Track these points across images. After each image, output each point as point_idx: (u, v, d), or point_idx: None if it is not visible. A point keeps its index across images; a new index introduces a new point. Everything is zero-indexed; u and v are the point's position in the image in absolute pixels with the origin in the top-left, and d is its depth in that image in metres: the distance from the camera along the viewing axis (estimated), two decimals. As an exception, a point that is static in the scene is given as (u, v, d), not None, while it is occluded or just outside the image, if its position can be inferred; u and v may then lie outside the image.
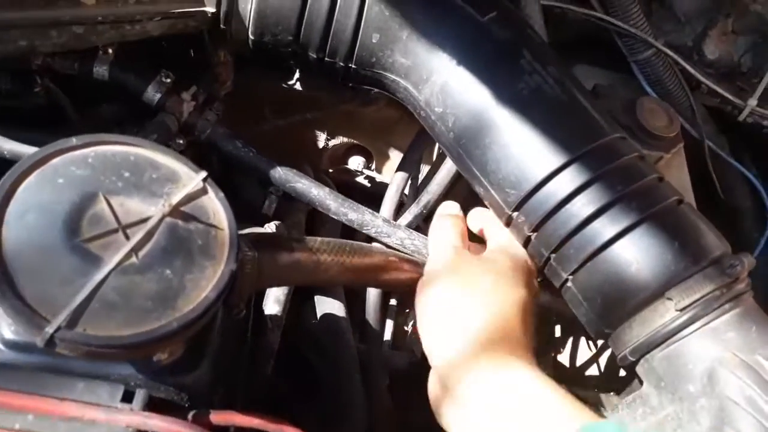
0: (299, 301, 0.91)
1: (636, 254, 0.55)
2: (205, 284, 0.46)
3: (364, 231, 0.78)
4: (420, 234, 0.79)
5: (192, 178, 0.50)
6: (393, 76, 0.67)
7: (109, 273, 0.44)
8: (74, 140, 0.48)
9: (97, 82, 0.74)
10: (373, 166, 1.13)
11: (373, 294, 0.84)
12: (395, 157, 1.10)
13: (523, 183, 0.59)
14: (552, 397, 0.51)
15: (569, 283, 0.59)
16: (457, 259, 0.62)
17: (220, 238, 0.49)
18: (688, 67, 0.78)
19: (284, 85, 0.98)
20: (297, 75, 0.98)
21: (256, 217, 0.92)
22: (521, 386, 0.52)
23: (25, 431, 0.46)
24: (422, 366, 0.94)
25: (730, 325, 0.53)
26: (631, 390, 0.68)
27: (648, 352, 0.55)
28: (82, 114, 0.77)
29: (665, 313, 0.53)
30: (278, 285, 0.67)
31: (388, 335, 0.93)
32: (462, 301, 0.58)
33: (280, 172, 0.78)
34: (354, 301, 0.91)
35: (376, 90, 0.95)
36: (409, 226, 0.81)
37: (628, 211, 0.56)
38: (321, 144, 1.10)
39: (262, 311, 0.86)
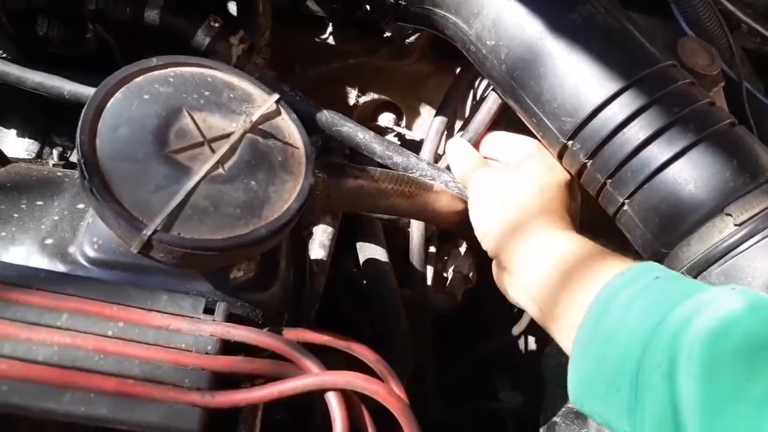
0: (341, 251, 0.93)
1: (694, 173, 0.56)
2: (288, 197, 0.48)
3: (409, 174, 0.80)
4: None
5: (266, 100, 0.52)
6: (443, 12, 0.68)
7: (200, 181, 0.45)
8: (155, 60, 0.50)
9: (148, 28, 0.75)
10: (404, 123, 1.14)
11: (416, 236, 0.85)
12: (426, 113, 1.10)
13: (579, 110, 0.60)
14: (593, 251, 0.54)
15: (625, 207, 0.60)
16: (484, 172, 0.69)
17: (297, 156, 0.50)
18: (728, 5, 0.78)
19: (317, 39, 0.99)
20: (330, 29, 0.99)
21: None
22: (562, 245, 0.56)
23: (116, 337, 0.48)
24: (463, 310, 0.96)
25: (789, 238, 0.54)
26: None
27: (706, 268, 0.56)
28: (130, 61, 0.78)
29: (724, 229, 0.55)
30: (343, 209, 0.68)
31: (429, 281, 0.95)
32: (503, 189, 0.64)
33: (326, 116, 0.79)
34: (392, 249, 0.93)
35: (410, 40, 0.96)
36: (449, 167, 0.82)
37: (685, 132, 0.57)
38: (351, 101, 1.11)
39: (308, 256, 0.88)
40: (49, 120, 0.81)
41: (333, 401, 0.49)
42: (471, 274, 0.95)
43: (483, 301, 1.01)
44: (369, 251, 0.91)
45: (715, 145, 0.56)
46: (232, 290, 0.54)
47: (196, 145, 0.47)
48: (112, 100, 0.47)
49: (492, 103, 0.79)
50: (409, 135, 1.12)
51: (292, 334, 0.56)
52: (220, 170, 0.46)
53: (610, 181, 0.61)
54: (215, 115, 0.49)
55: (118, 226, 0.43)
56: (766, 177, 0.55)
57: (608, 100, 0.59)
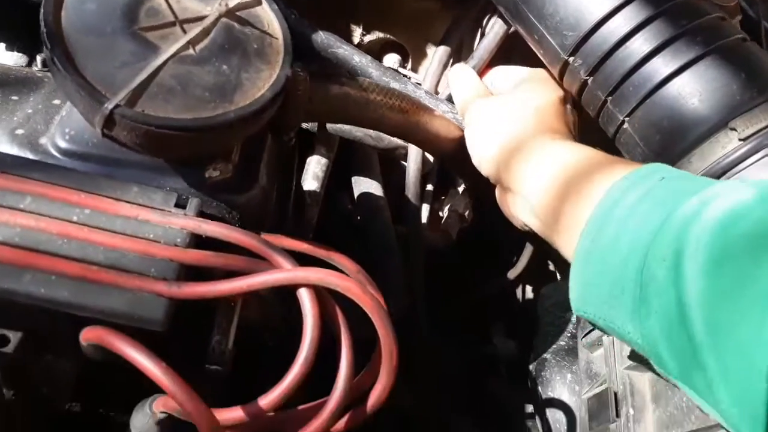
0: (335, 187, 0.91)
1: (698, 86, 0.53)
2: (261, 84, 0.46)
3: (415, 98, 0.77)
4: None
5: (247, -13, 0.49)
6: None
7: (168, 59, 0.43)
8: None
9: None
10: (409, 66, 1.11)
11: (413, 169, 0.83)
12: (432, 55, 1.07)
13: (582, 23, 0.57)
14: (596, 158, 0.52)
15: (626, 125, 0.57)
16: (483, 99, 0.67)
17: (275, 46, 0.48)
18: (751, -69, 0.74)
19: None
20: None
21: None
22: (562, 155, 0.54)
23: (81, 223, 0.46)
24: (459, 253, 0.94)
25: (794, 156, 0.51)
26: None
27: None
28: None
29: (727, 144, 0.52)
30: (327, 118, 0.66)
31: (424, 219, 0.93)
32: (499, 113, 0.63)
33: (322, 37, 0.76)
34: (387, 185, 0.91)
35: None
36: (450, 97, 0.79)
37: (692, 45, 0.54)
38: (356, 39, 1.07)
39: (301, 187, 0.86)
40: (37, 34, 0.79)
41: (305, 297, 0.47)
42: (467, 213, 0.92)
43: (479, 244, 0.99)
44: (364, 185, 0.89)
45: (723, 58, 0.53)
46: (208, 189, 0.52)
47: (167, 24, 0.44)
48: (82, -27, 0.45)
49: (498, 28, 0.76)
50: (415, 77, 1.08)
51: (270, 238, 0.54)
52: (191, 51, 0.44)
53: (610, 98, 0.58)
54: (190, -3, 0.46)
55: (81, 99, 0.42)
56: (775, 92, 0.52)
57: (612, 12, 0.56)
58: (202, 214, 0.51)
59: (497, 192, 0.65)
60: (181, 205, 0.49)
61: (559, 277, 0.95)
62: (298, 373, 0.46)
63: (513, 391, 0.92)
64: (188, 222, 0.48)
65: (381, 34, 1.06)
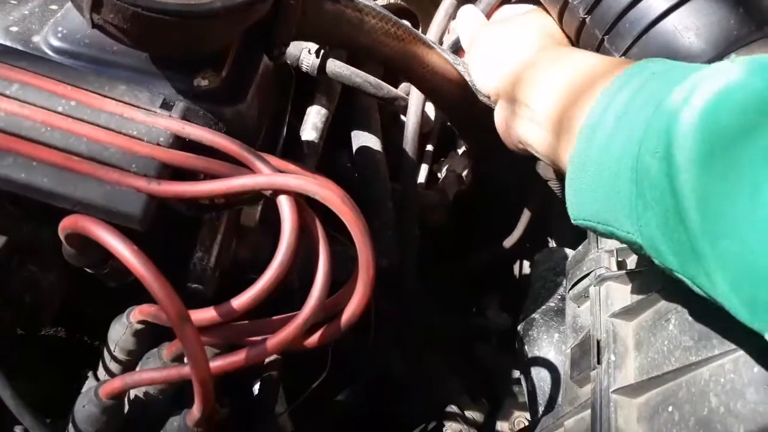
0: (335, 142, 0.91)
1: (696, 21, 0.52)
2: (251, -19, 0.46)
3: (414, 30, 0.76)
4: (465, 61, 0.77)
5: None
6: None
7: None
8: None
9: None
10: (419, 32, 1.11)
11: (411, 122, 0.82)
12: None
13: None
14: (602, 60, 0.51)
15: (620, 64, 0.56)
16: (488, 27, 0.68)
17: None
18: None
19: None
20: None
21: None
22: (567, 59, 0.54)
23: (66, 114, 0.46)
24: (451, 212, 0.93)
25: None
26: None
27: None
28: None
29: (723, 79, 0.51)
30: (321, 37, 0.65)
31: (422, 179, 0.92)
32: (503, 36, 0.64)
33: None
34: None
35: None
36: (454, 45, 0.79)
37: (690, -20, 0.53)
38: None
39: (299, 137, 0.86)
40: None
41: (284, 203, 0.47)
42: (465, 174, 0.92)
43: (477, 210, 0.99)
44: (363, 139, 0.89)
45: (722, -7, 0.52)
46: (195, 97, 0.52)
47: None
48: None
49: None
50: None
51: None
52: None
53: (607, 36, 0.57)
54: None
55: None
56: (774, 27, 0.51)
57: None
58: (187, 120, 0.51)
59: (498, 110, 0.64)
60: (167, 106, 0.49)
61: (553, 244, 0.94)
62: (272, 277, 0.46)
63: (501, 355, 0.91)
64: (172, 123, 0.48)
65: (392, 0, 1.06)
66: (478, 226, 1.01)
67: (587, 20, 0.58)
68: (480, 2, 0.75)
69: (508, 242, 0.96)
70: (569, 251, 0.81)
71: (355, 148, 0.89)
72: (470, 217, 0.98)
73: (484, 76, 0.64)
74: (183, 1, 0.43)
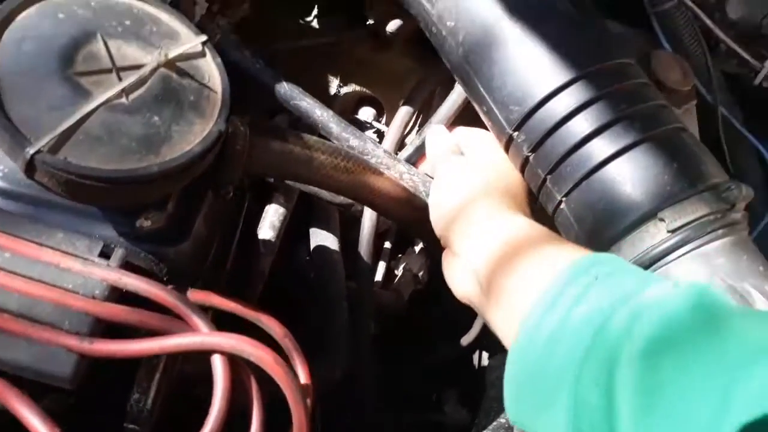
0: (293, 240, 0.91)
1: (632, 173, 0.53)
2: (192, 139, 0.46)
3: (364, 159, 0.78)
4: (420, 171, 0.78)
5: (192, 39, 0.50)
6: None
7: (98, 107, 0.43)
8: (79, -15, 0.48)
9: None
10: (384, 120, 1.12)
11: (367, 226, 0.83)
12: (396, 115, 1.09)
13: (527, 99, 0.58)
14: (543, 236, 0.51)
15: (563, 206, 0.57)
16: (453, 158, 0.67)
17: (213, 100, 0.48)
18: (708, 22, 0.76)
19: (300, 21, 0.98)
20: (315, 11, 0.98)
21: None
22: (512, 227, 0.54)
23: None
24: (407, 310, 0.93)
25: (722, 251, 0.51)
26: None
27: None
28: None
29: (656, 235, 0.52)
30: (269, 174, 0.66)
31: (379, 277, 0.92)
32: (461, 173, 0.63)
33: (285, 88, 0.77)
34: (347, 244, 0.91)
35: (391, 29, 0.95)
36: (410, 158, 0.80)
37: (629, 130, 0.55)
38: (332, 90, 1.09)
39: (256, 236, 0.86)
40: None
41: (217, 364, 0.46)
42: (421, 274, 0.92)
43: (434, 307, 0.99)
44: (320, 238, 0.89)
45: (658, 147, 0.54)
46: (137, 239, 0.51)
47: (104, 71, 0.45)
48: (24, 13, 0.45)
49: (457, 95, 0.77)
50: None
51: (197, 295, 0.53)
52: (123, 100, 0.45)
53: (549, 176, 0.58)
54: (131, 45, 0.47)
55: (3, 141, 0.41)
56: (706, 185, 0.53)
57: (557, 90, 0.57)
58: (128, 265, 0.50)
59: (444, 254, 0.64)
60: (105, 254, 0.49)
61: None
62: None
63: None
64: (109, 274, 0.47)
65: (357, 88, 1.08)
66: (435, 322, 1.01)
67: (531, 158, 0.59)
68: (429, 123, 0.76)
69: (466, 339, 0.96)
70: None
71: (312, 246, 0.88)
72: (427, 313, 0.98)
73: (436, 214, 0.63)
74: (118, 166, 0.42)
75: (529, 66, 0.58)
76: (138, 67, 0.46)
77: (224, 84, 0.49)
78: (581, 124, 0.56)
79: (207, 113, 0.47)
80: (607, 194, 0.54)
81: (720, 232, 0.52)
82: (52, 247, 0.48)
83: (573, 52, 0.58)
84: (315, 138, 0.60)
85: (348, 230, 0.93)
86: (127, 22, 0.48)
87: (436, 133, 0.73)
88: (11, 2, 0.45)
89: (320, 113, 0.78)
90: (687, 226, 0.51)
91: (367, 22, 0.95)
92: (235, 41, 0.78)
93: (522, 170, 0.61)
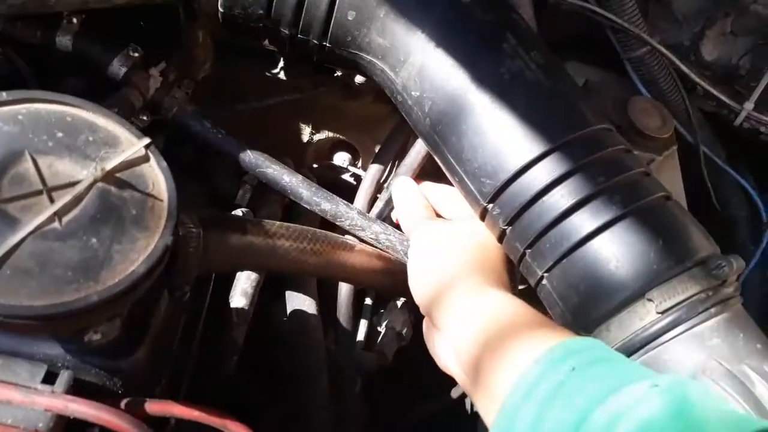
0: (269, 296, 0.87)
1: (616, 251, 0.50)
2: (135, 257, 0.42)
3: (337, 223, 0.74)
4: (396, 230, 0.75)
5: (133, 144, 0.46)
6: (369, 57, 0.63)
7: (26, 237, 0.39)
8: (4, 95, 0.44)
9: (61, 53, 0.71)
10: (359, 164, 1.09)
11: (344, 290, 0.79)
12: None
13: (500, 172, 0.55)
14: (525, 316, 0.50)
15: (544, 281, 0.54)
16: (430, 224, 0.65)
17: (158, 210, 0.45)
18: (683, 67, 0.73)
19: (267, 74, 0.95)
20: (281, 64, 0.94)
21: (229, 208, 0.88)
22: (494, 306, 0.53)
23: (-74, 409, 0.42)
24: (393, 369, 0.90)
25: (716, 331, 0.48)
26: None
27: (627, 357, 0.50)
28: (44, 86, 0.73)
29: (645, 316, 0.49)
30: (229, 269, 0.62)
31: (361, 335, 0.88)
32: (443, 243, 0.61)
33: (250, 156, 0.74)
34: (328, 299, 0.87)
35: (359, 80, 0.92)
36: (380, 214, 0.77)
37: (610, 204, 0.51)
38: (305, 138, 1.06)
39: (228, 304, 0.82)
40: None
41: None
42: (405, 331, 0.88)
43: (420, 361, 0.95)
44: (296, 302, 0.85)
45: (642, 221, 0.51)
46: (86, 354, 0.47)
47: (33, 194, 0.41)
48: (-60, 136, 0.41)
49: (420, 147, 0.74)
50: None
51: (156, 407, 0.50)
52: (56, 224, 0.41)
53: (529, 251, 0.55)
54: (65, 159, 0.43)
55: None
56: (694, 261, 0.50)
57: (530, 163, 0.54)
58: (77, 382, 0.46)
59: (425, 324, 0.63)
60: (50, 379, 0.45)
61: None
62: None
63: None
64: (54, 402, 0.44)
65: (330, 134, 1.05)
66: (422, 374, 0.97)
67: (508, 231, 0.56)
68: (394, 177, 0.73)
69: (456, 392, 0.92)
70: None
71: (288, 310, 0.85)
72: (413, 368, 0.94)
73: (416, 286, 0.61)
74: (52, 300, 0.39)
75: (500, 138, 0.55)
76: (72, 184, 0.42)
77: (170, 189, 0.45)
78: (558, 199, 0.52)
79: (151, 226, 0.44)
80: (590, 273, 0.51)
81: (713, 310, 0.49)
82: (-10, 378, 0.44)
83: (544, 122, 0.54)
84: (277, 224, 0.56)
85: (327, 288, 0.90)
86: (59, 134, 0.44)
87: (403, 188, 0.71)
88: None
89: (288, 179, 0.74)
90: (677, 306, 0.48)
91: (335, 74, 0.92)
92: (193, 112, 0.74)
93: (500, 241, 0.58)
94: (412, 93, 0.60)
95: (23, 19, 0.68)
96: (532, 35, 0.62)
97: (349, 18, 0.62)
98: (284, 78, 0.95)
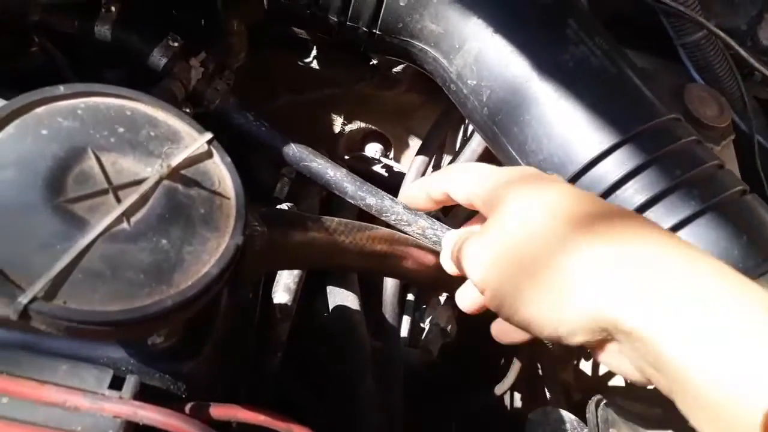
0: (311, 292, 0.86)
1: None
2: (207, 258, 0.40)
3: (383, 218, 0.72)
4: (443, 225, 0.73)
5: (195, 140, 0.44)
6: (421, 45, 0.61)
7: (96, 238, 0.37)
8: (62, 88, 0.42)
9: (99, 43, 0.69)
10: (391, 155, 1.07)
11: (390, 286, 0.78)
12: (415, 145, 1.04)
13: (568, 165, 0.53)
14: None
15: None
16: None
17: (225, 208, 0.43)
18: (743, 52, 0.71)
19: (300, 63, 0.93)
20: (314, 53, 0.92)
21: (267, 201, 0.86)
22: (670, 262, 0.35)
23: (-4, 416, 0.40)
24: (437, 365, 0.88)
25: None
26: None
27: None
28: (81, 78, 0.71)
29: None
30: (290, 267, 0.60)
31: (404, 332, 0.87)
32: (527, 241, 0.39)
33: (294, 150, 0.71)
34: (369, 293, 0.86)
35: (397, 69, 0.89)
36: (429, 211, 0.75)
37: (688, 200, 0.49)
38: (337, 129, 1.04)
39: (271, 300, 0.80)
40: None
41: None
42: (449, 328, 0.86)
43: (465, 356, 0.93)
44: (339, 297, 0.83)
45: (722, 218, 0.49)
46: (151, 359, 0.46)
47: (99, 193, 0.39)
48: (1, 135, 0.39)
49: (476, 145, 0.72)
50: (397, 167, 1.05)
51: (221, 411, 0.48)
52: (124, 225, 0.39)
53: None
54: (128, 156, 0.41)
55: (-11, 290, 0.36)
56: (781, 258, 0.47)
57: (601, 155, 0.52)
58: (142, 388, 0.45)
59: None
60: (117, 383, 0.43)
61: (548, 395, 0.89)
62: None
63: None
64: (122, 408, 0.42)
65: (362, 124, 1.02)
66: (465, 374, 0.96)
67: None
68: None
69: (499, 389, 0.91)
70: (567, 414, 0.76)
71: (331, 306, 0.83)
72: (457, 364, 0.93)
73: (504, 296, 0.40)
74: (126, 305, 0.37)
75: (567, 128, 0.53)
76: (137, 182, 0.40)
77: (237, 187, 0.43)
78: (632, 194, 0.50)
79: (221, 225, 0.42)
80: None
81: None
82: (55, 384, 0.42)
83: (613, 112, 0.52)
84: (336, 220, 0.54)
85: (368, 281, 0.88)
86: (121, 129, 0.42)
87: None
88: (-14, 123, 0.39)
89: (333, 173, 0.72)
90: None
91: (371, 62, 0.90)
92: (235, 104, 0.72)
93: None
94: (468, 82, 0.58)
95: (61, 8, 0.66)
96: (593, 20, 0.59)
97: (401, 3, 0.59)
98: (318, 68, 0.93)
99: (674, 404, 0.36)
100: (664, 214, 0.49)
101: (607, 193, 0.51)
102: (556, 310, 0.37)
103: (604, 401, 0.57)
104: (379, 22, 0.61)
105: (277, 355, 0.76)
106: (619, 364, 0.38)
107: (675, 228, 0.49)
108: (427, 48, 0.61)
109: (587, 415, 0.59)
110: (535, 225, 0.38)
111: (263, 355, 0.74)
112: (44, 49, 0.68)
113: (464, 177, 0.46)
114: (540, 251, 0.37)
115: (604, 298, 0.35)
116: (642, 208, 0.50)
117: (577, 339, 0.37)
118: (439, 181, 0.50)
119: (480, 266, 0.41)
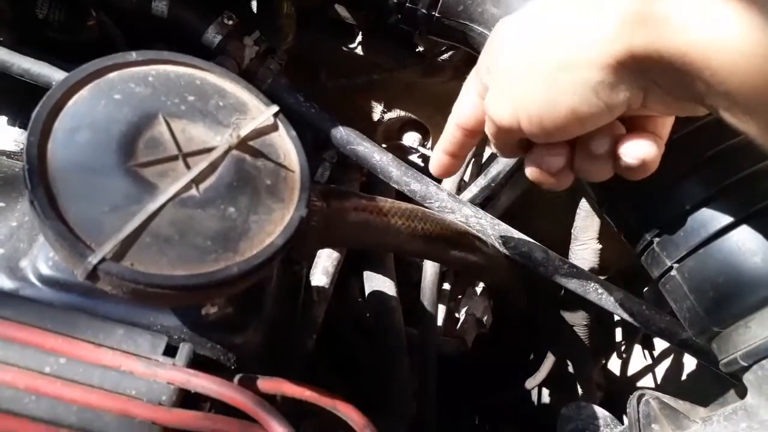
0: (346, 276, 0.86)
1: (762, 243, 0.47)
2: (272, 229, 0.40)
3: (426, 204, 0.72)
4: (487, 213, 0.72)
5: (262, 112, 0.44)
6: (480, 29, 0.60)
7: (166, 203, 0.37)
8: (134, 54, 0.42)
9: (155, 19, 0.69)
10: (429, 144, 1.06)
11: (429, 273, 0.77)
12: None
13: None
14: None
15: (673, 272, 0.51)
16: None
17: (290, 181, 0.42)
18: None
19: (344, 48, 0.92)
20: (359, 38, 0.92)
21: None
22: None
23: (55, 375, 0.40)
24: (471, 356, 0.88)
25: None
26: (724, 401, 0.61)
27: (766, 356, 0.47)
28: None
29: (795, 313, 0.46)
30: (344, 245, 0.60)
31: (439, 321, 0.87)
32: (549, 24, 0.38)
33: (342, 132, 0.71)
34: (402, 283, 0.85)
35: (443, 57, 0.89)
36: (473, 200, 0.74)
37: (754, 193, 0.48)
38: (376, 116, 1.03)
39: (309, 282, 0.80)
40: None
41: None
42: (485, 318, 0.86)
43: (497, 349, 0.93)
44: (376, 282, 0.83)
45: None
46: (203, 328, 0.46)
47: (169, 159, 0.39)
48: (75, 97, 0.39)
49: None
50: (435, 158, 1.04)
51: (268, 384, 0.48)
52: (194, 191, 0.39)
53: (657, 240, 0.52)
54: (198, 124, 0.41)
55: (61, 248, 0.36)
56: None
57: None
58: (195, 357, 0.45)
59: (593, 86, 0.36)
60: (171, 350, 0.43)
61: (580, 391, 0.88)
62: None
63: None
64: (176, 375, 0.42)
65: (402, 113, 1.02)
66: (499, 364, 0.95)
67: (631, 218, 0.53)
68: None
69: (531, 383, 0.90)
70: (600, 410, 0.75)
71: (367, 291, 0.83)
72: (491, 355, 0.92)
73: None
74: (193, 270, 0.37)
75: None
76: (207, 150, 0.40)
77: (301, 160, 0.43)
78: (695, 186, 0.49)
79: (285, 197, 0.41)
80: (730, 265, 0.48)
81: None
82: (111, 347, 0.43)
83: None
84: (390, 201, 0.54)
85: (404, 268, 0.88)
86: (191, 98, 0.42)
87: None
88: (60, 86, 0.39)
89: (379, 157, 0.72)
90: (831, 305, 0.45)
91: (417, 49, 0.89)
92: (286, 85, 0.72)
93: (622, 233, 0.55)
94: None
95: (121, -17, 0.66)
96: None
97: (463, -13, 0.59)
98: (362, 53, 0.92)
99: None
100: (728, 207, 0.48)
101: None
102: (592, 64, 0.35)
103: (646, 396, 0.56)
104: (440, 5, 0.60)
105: (312, 337, 0.76)
106: (666, 107, 0.38)
107: (741, 221, 0.48)
108: (486, 32, 0.60)
109: (628, 410, 0.58)
110: (528, 29, 0.39)
111: (299, 336, 0.74)
112: (101, 23, 0.68)
113: (457, 103, 0.48)
114: (548, 36, 0.37)
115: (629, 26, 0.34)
116: (706, 201, 0.49)
117: (621, 96, 0.36)
118: (447, 129, 0.51)
119: (506, 93, 0.40)
